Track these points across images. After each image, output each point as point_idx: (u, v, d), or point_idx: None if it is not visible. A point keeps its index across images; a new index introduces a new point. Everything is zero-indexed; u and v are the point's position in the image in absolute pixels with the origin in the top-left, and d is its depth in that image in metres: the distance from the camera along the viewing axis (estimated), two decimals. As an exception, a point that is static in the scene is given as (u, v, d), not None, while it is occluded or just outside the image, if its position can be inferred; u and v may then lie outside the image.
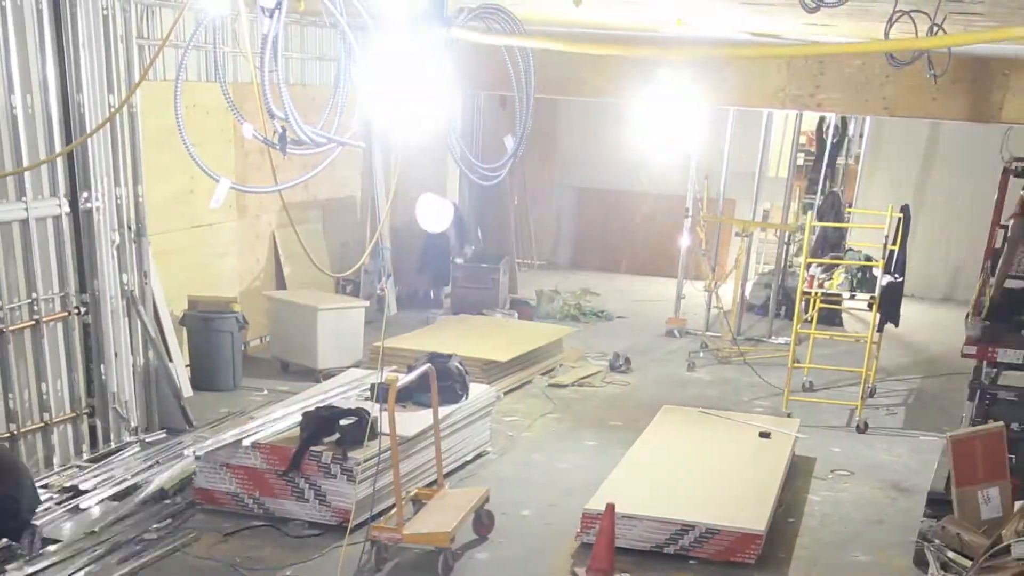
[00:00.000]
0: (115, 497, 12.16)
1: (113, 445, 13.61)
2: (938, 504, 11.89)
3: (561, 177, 28.84)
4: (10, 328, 12.18)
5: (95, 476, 12.58)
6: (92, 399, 13.51)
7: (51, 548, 10.86)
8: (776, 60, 18.89)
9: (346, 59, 7.32)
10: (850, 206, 25.48)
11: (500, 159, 9.36)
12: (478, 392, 14.24)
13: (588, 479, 13.08)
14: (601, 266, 28.17)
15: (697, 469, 13.14)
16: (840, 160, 26.30)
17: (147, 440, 13.94)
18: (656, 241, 27.14)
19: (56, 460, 12.94)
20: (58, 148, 12.57)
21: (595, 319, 23.43)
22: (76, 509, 11.81)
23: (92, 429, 13.41)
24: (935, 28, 10.40)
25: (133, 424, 14.00)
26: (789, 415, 16.18)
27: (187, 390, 15.58)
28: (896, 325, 17.78)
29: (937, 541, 11.18)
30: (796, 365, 17.18)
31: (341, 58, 7.39)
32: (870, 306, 16.79)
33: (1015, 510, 10.87)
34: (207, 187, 15.07)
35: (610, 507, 11.05)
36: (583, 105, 25.76)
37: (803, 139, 24.98)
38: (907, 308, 18.74)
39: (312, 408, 12.32)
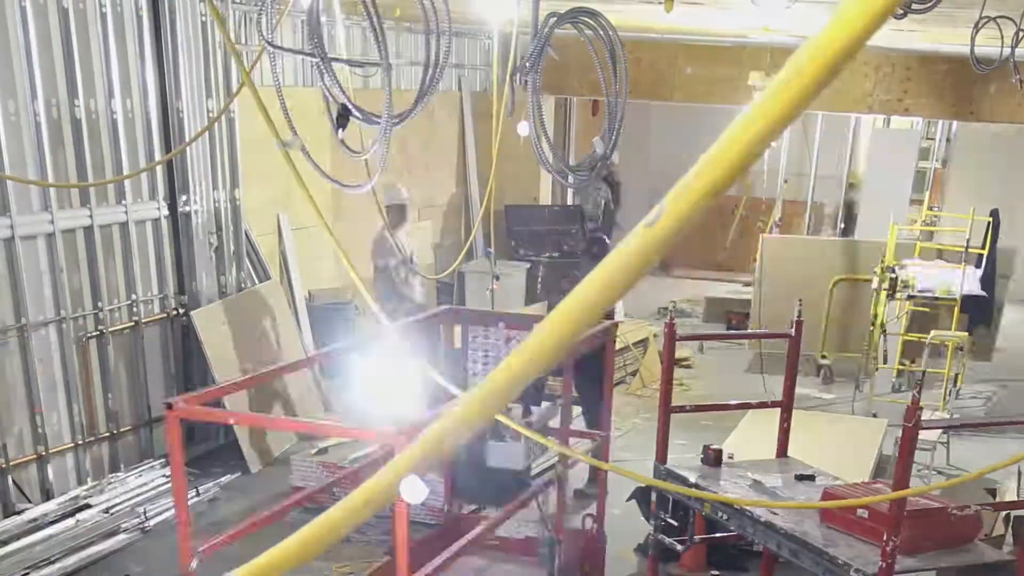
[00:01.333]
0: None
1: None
2: None
3: (653, 181, 28.12)
4: (110, 329, 11.96)
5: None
6: None
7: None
8: (864, 66, 18.53)
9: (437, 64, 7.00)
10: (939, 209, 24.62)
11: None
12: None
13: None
14: (691, 266, 27.24)
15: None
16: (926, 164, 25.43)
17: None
18: (742, 242, 26.39)
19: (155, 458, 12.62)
20: (157, 153, 12.36)
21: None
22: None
23: (190, 430, 13.02)
24: (1020, 33, 10.25)
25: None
26: (875, 415, 15.37)
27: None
28: (988, 327, 17.03)
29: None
30: (882, 366, 16.53)
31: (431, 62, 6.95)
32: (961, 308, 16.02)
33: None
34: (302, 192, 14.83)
35: None
36: (674, 109, 25.09)
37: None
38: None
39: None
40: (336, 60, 7.16)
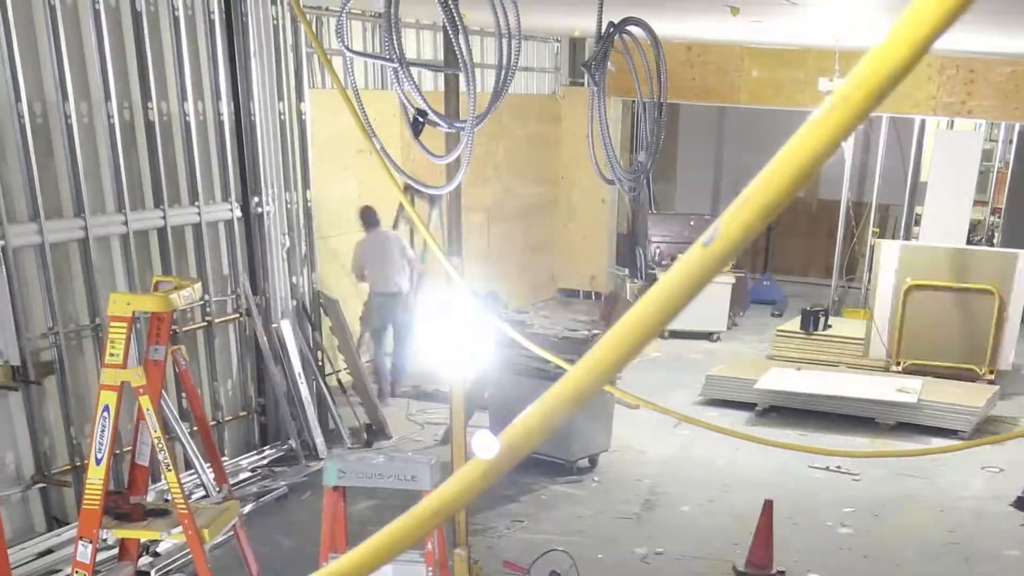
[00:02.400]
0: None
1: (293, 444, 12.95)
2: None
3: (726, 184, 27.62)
4: (183, 329, 11.73)
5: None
6: (262, 399, 12.89)
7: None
8: (928, 68, 18.19)
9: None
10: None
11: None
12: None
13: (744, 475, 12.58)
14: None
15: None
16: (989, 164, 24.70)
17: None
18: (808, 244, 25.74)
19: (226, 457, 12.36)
20: (229, 155, 12.18)
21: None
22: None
23: (262, 428, 12.73)
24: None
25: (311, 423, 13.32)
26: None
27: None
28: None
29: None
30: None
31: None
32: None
33: None
34: (374, 192, 14.50)
35: (768, 503, 10.57)
36: (744, 113, 24.62)
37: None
38: None
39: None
40: (414, 64, 6.91)
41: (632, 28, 8.93)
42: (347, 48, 6.89)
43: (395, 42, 6.65)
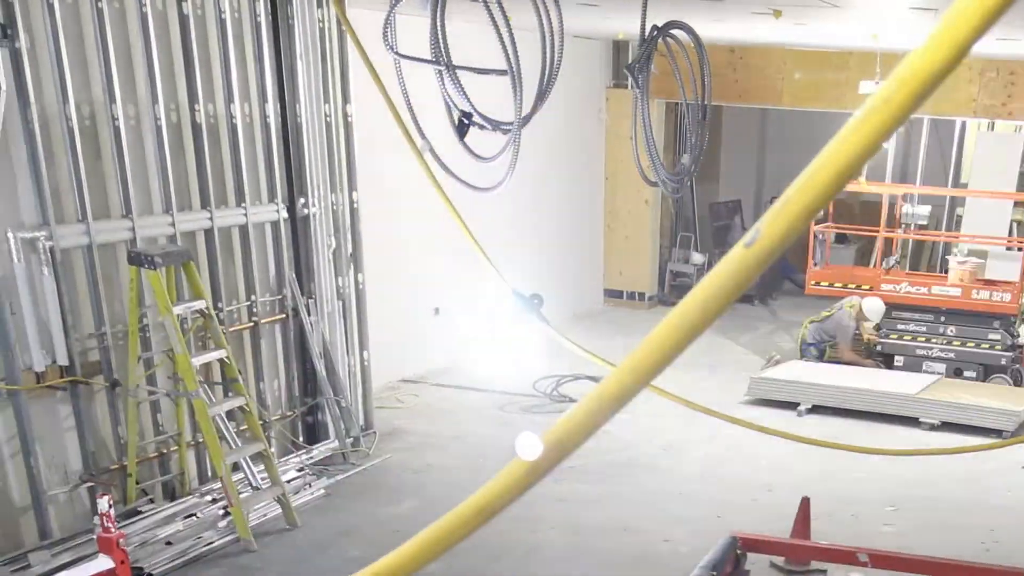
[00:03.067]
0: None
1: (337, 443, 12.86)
2: None
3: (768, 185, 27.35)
4: (230, 329, 11.57)
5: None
6: (308, 399, 12.73)
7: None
8: (968, 71, 18.01)
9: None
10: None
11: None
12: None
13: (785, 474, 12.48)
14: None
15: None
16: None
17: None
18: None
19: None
20: (276, 156, 12.02)
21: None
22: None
23: (309, 427, 12.55)
24: None
25: (361, 423, 13.30)
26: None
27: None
28: None
29: None
30: None
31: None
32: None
33: None
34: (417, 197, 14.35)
35: (805, 500, 10.45)
36: (786, 115, 24.37)
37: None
38: None
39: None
40: (461, 68, 6.74)
41: (676, 31, 8.78)
42: (394, 52, 6.76)
43: (441, 45, 6.53)
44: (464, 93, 6.88)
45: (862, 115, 1.28)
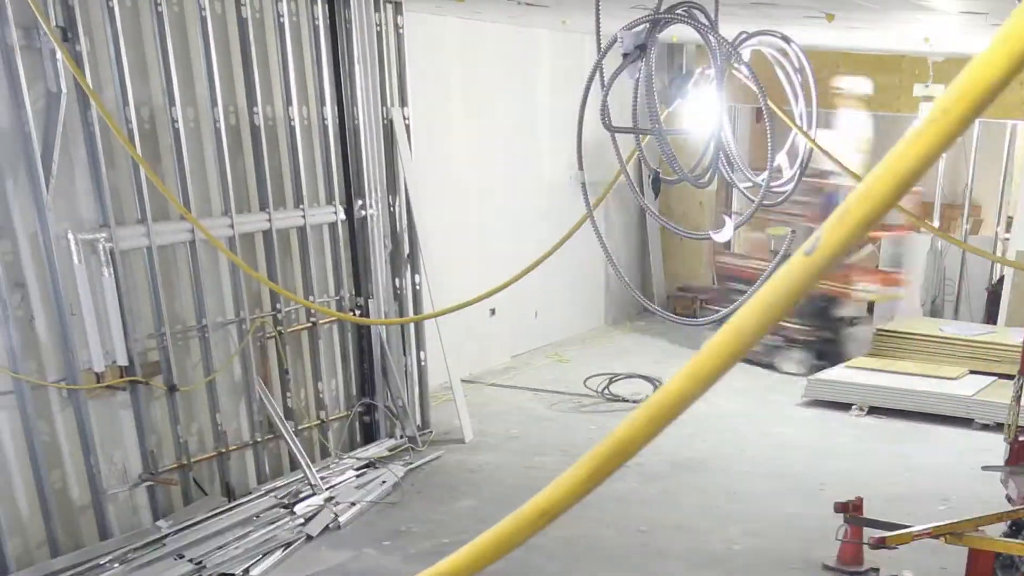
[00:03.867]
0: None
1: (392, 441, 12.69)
2: None
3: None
4: (288, 330, 11.39)
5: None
6: (365, 398, 12.53)
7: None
8: (1019, 76, 17.63)
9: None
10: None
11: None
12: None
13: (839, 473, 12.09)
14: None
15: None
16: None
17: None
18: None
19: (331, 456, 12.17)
20: (333, 158, 11.84)
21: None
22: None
23: (366, 426, 12.35)
24: None
25: (417, 422, 13.08)
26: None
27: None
28: None
29: None
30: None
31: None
32: None
33: None
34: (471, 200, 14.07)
35: (858, 500, 10.14)
36: None
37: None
38: None
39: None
40: (669, 132, 7.06)
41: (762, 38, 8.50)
42: (608, 127, 6.97)
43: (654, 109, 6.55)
44: (671, 155, 7.00)
45: (921, 126, 1.27)
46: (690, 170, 7.47)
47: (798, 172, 7.73)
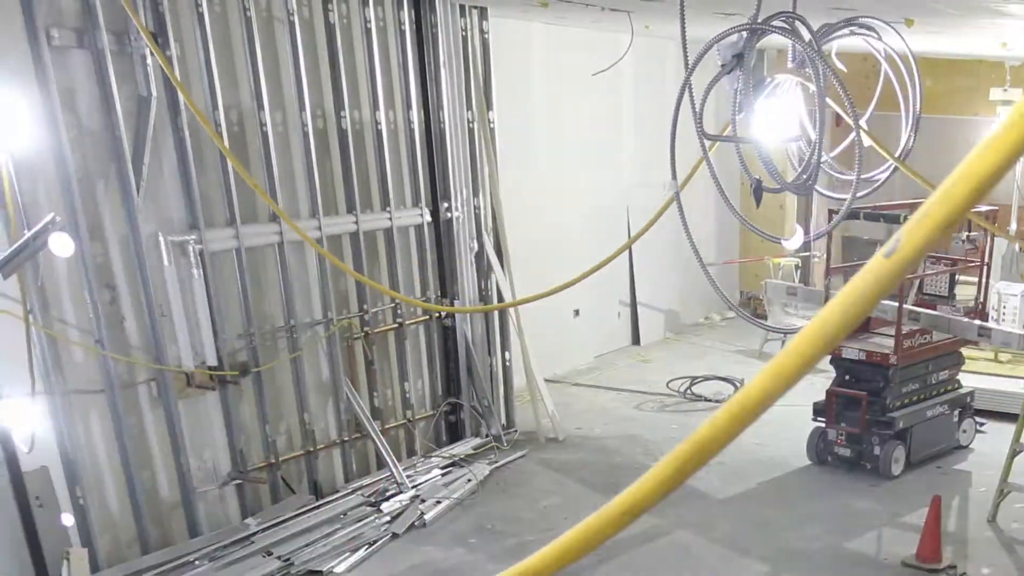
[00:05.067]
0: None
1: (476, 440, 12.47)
2: None
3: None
4: (375, 331, 11.11)
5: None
6: (451, 398, 12.28)
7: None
8: None
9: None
10: None
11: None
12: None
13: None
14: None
15: None
16: None
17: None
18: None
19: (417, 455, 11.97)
20: (420, 161, 11.59)
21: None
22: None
23: (451, 426, 12.04)
24: None
25: (502, 421, 12.83)
26: None
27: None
28: None
29: None
30: None
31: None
32: None
33: None
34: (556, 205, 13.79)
35: (936, 498, 10.10)
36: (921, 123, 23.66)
37: None
38: None
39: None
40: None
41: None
42: (704, 134, 6.77)
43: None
44: (771, 164, 6.96)
45: (1000, 130, 1.28)
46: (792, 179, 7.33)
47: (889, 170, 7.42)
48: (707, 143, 6.70)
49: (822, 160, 6.94)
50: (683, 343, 17.49)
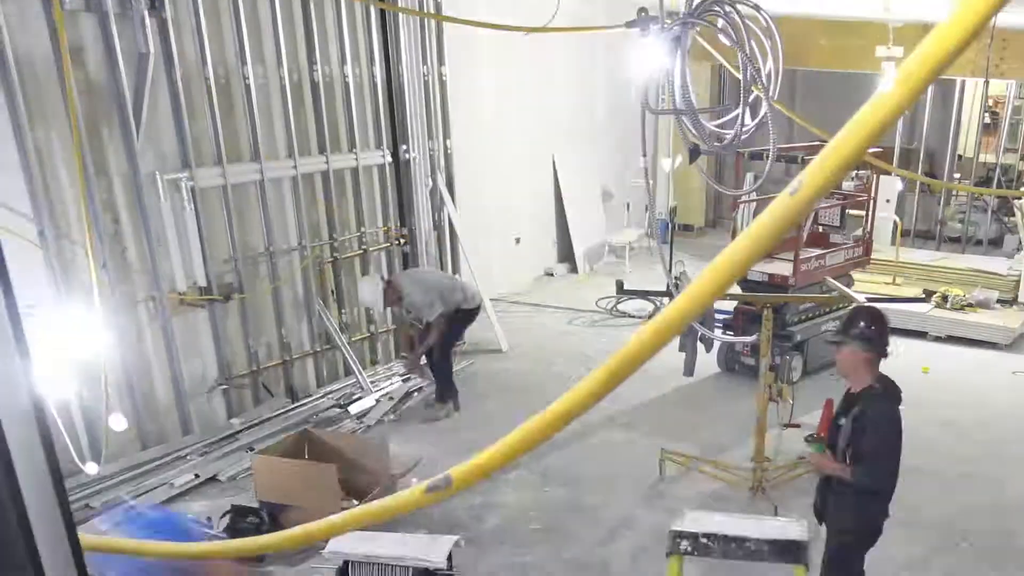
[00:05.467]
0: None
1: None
2: None
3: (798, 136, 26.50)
4: (342, 257, 11.08)
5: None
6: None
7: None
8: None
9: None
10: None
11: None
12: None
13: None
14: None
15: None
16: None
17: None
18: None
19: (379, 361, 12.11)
20: (381, 109, 11.50)
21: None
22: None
23: (410, 339, 12.22)
24: None
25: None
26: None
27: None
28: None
29: None
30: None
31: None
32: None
33: None
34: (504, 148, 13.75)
35: (828, 400, 9.55)
36: (813, 75, 23.62)
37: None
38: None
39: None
40: (702, 111, 7.10)
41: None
42: (649, 109, 7.02)
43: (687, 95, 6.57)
44: (702, 132, 7.12)
45: (890, 87, 1.29)
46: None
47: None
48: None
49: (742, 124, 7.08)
50: (613, 267, 17.49)
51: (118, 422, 8.00)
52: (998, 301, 14.39)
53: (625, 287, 13.42)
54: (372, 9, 10.95)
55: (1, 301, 1.41)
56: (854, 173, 13.59)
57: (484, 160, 14.20)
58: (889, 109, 1.31)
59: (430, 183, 12.13)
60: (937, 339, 13.70)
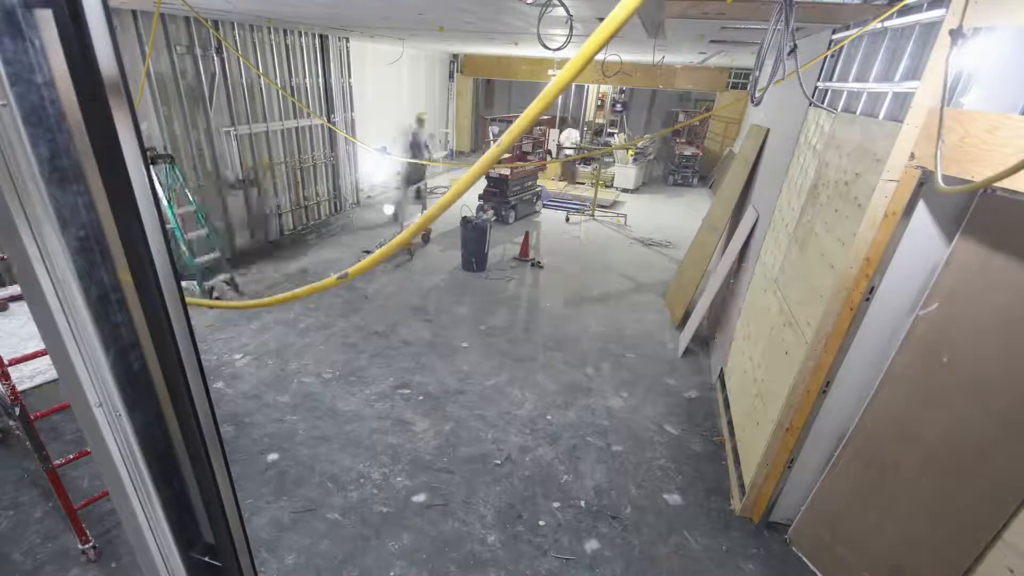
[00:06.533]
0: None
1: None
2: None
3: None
4: (303, 165, 12.46)
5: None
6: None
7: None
8: (594, 64, 16.52)
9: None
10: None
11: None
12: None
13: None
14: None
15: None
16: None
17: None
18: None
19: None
20: (322, 97, 12.66)
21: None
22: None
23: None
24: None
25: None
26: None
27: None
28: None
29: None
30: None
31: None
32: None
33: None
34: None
35: (527, 232, 11.09)
36: (522, 85, 24.71)
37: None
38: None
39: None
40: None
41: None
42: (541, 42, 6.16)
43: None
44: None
45: (549, 88, 1.43)
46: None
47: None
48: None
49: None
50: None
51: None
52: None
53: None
54: (318, 48, 12.13)
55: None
56: (532, 130, 14.36)
57: (366, 123, 14.88)
58: (550, 97, 1.45)
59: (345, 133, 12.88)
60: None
